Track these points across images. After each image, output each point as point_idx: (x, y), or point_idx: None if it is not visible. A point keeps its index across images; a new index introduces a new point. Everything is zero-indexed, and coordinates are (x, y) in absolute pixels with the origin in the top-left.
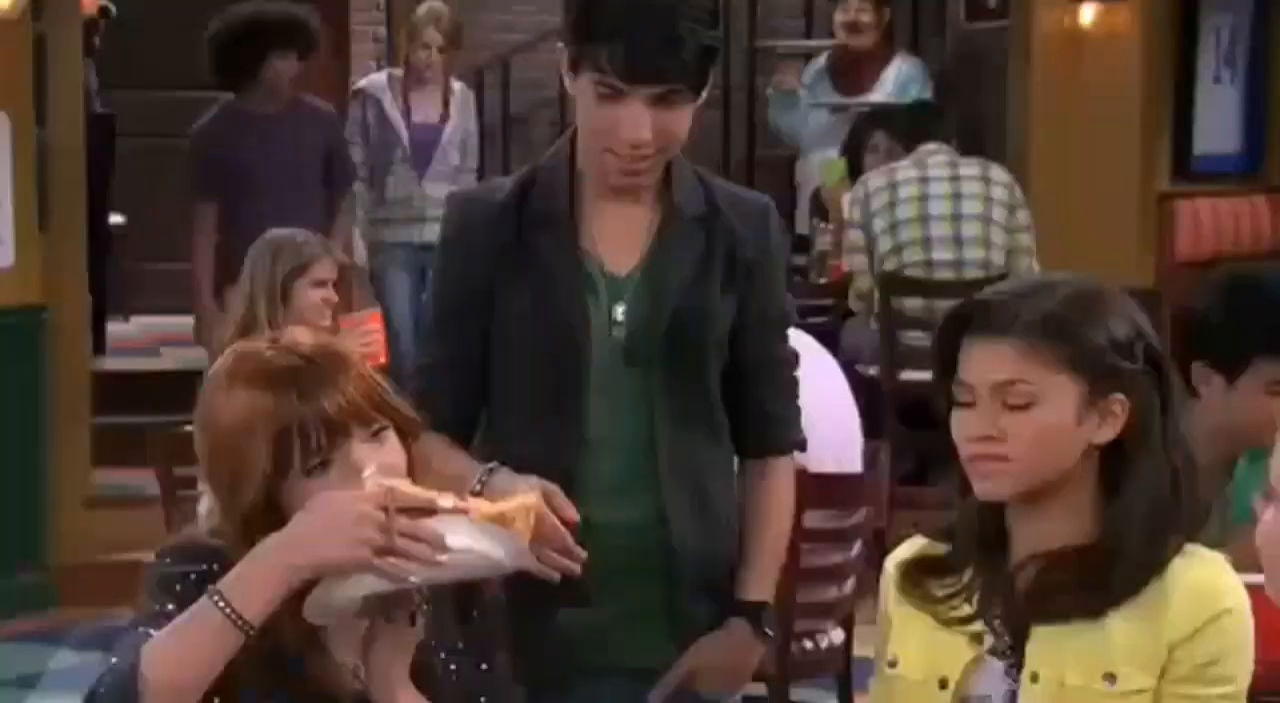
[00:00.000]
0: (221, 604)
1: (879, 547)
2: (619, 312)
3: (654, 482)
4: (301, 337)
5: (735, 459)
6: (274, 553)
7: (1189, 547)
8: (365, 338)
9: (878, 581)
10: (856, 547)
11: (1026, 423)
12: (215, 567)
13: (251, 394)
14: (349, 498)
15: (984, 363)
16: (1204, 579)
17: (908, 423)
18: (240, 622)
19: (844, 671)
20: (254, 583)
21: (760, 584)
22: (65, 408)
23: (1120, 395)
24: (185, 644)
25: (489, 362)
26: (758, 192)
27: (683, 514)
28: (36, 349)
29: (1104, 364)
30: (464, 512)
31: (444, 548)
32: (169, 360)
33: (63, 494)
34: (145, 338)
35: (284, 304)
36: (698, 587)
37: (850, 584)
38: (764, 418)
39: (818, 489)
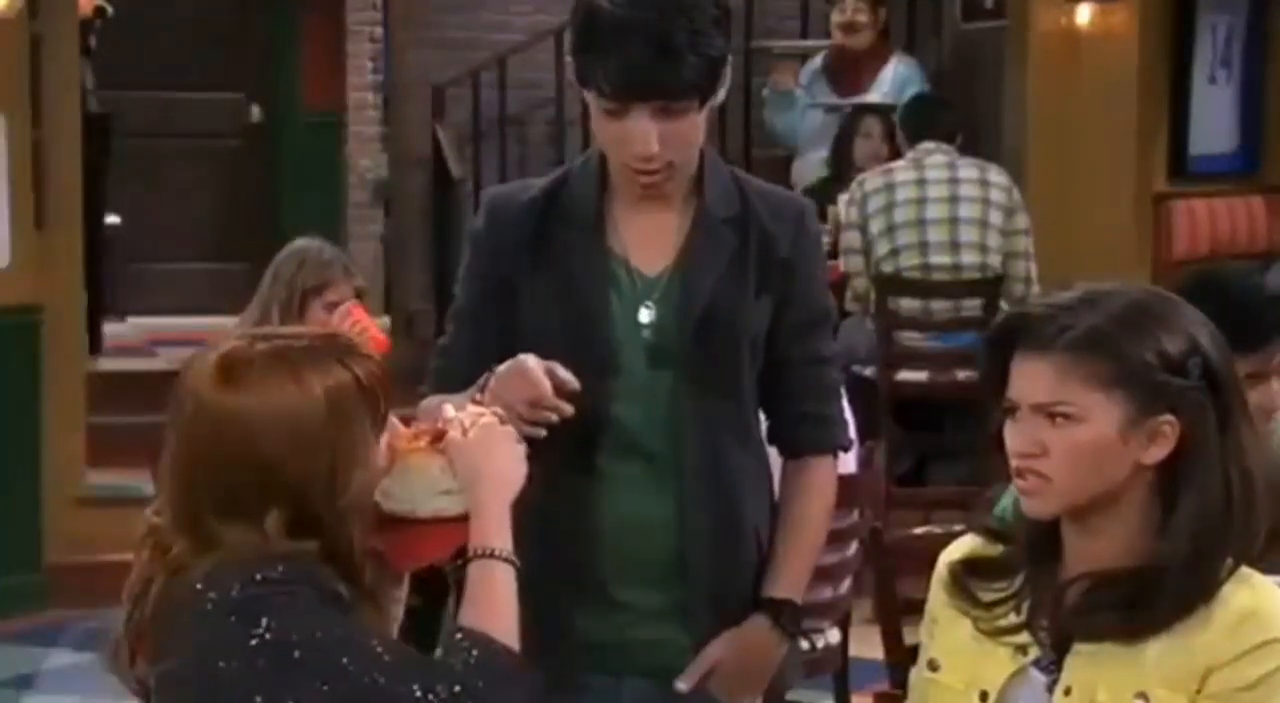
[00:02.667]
0: (499, 554)
1: (875, 547)
2: (646, 312)
3: (677, 483)
4: (270, 331)
5: (773, 462)
6: (492, 496)
7: (1243, 570)
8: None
9: (874, 581)
10: (853, 547)
11: (1065, 441)
12: (310, 572)
13: (326, 375)
14: (490, 429)
15: (1026, 381)
16: (1253, 605)
17: (904, 423)
18: (513, 558)
19: (841, 670)
20: (500, 527)
21: (785, 583)
22: (60, 408)
23: (1169, 416)
24: (506, 603)
25: (512, 354)
26: (796, 194)
27: (702, 517)
28: (32, 349)
29: (1151, 382)
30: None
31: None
32: (164, 361)
33: (58, 494)
34: (140, 338)
35: (299, 317)
36: (715, 591)
37: (847, 585)
38: (802, 418)
39: None
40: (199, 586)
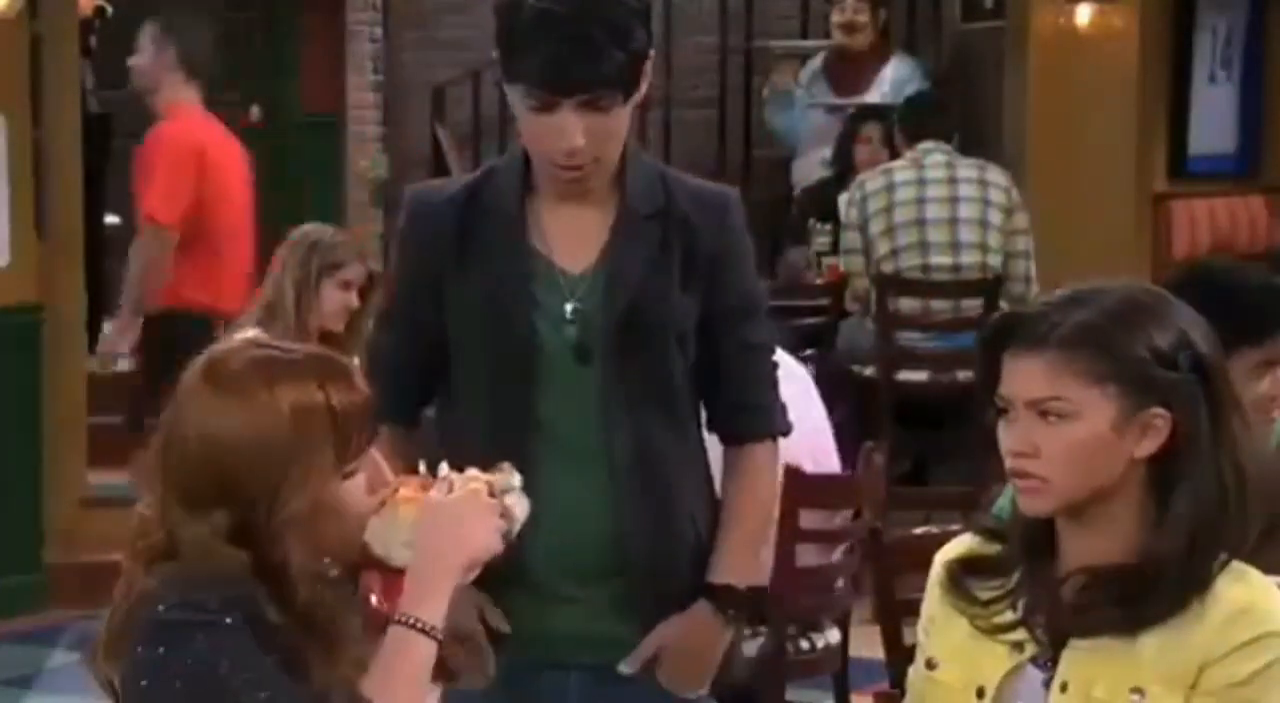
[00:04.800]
0: (420, 625)
1: (875, 547)
2: (570, 310)
3: (609, 479)
4: (271, 342)
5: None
6: (439, 564)
7: (1237, 566)
8: None
9: (873, 581)
10: (852, 547)
11: (1060, 438)
12: (246, 604)
13: (299, 392)
14: (473, 497)
15: (1019, 378)
16: (1247, 600)
17: (904, 423)
18: (436, 633)
19: (840, 670)
20: (434, 597)
21: (729, 569)
22: (60, 408)
23: (1161, 409)
24: (412, 678)
25: (443, 353)
26: (724, 185)
27: (636, 511)
28: (32, 349)
29: (1142, 375)
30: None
31: (516, 520)
32: None
33: (58, 494)
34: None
35: (315, 295)
36: (654, 582)
37: (846, 585)
38: (738, 407)
39: (813, 490)
40: (148, 594)
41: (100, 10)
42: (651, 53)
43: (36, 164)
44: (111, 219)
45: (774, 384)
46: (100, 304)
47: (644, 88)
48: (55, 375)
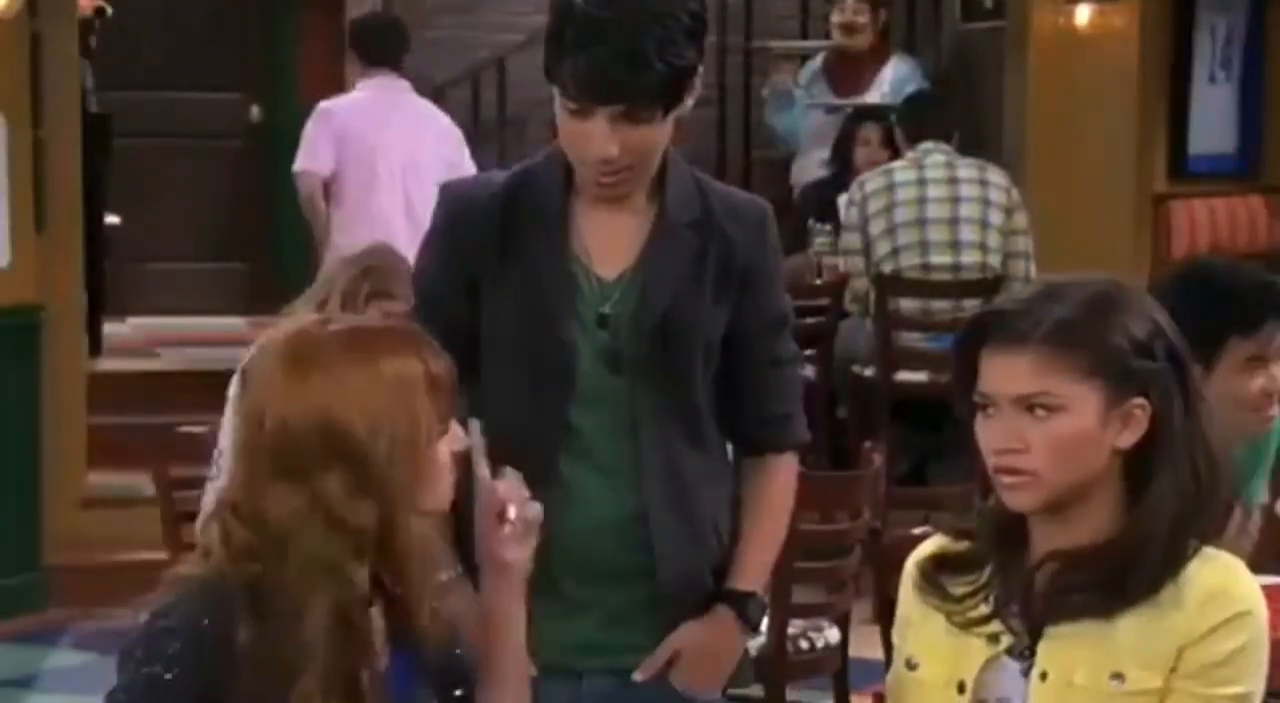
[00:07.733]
0: None
1: (875, 547)
2: (603, 316)
3: (635, 486)
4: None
5: (731, 461)
6: None
7: (1208, 550)
8: None
9: (874, 581)
10: (852, 547)
11: (1048, 432)
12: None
13: (398, 361)
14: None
15: (1003, 375)
16: (1219, 583)
17: (904, 423)
18: None
19: (840, 670)
20: None
21: (749, 576)
22: (60, 408)
23: (1141, 399)
24: None
25: (473, 354)
26: (756, 195)
27: (665, 516)
28: (32, 349)
29: (1124, 366)
30: None
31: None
32: (165, 361)
33: (58, 495)
34: (141, 339)
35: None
36: (681, 588)
37: (846, 585)
38: (760, 419)
39: (813, 490)
40: (155, 603)
41: (100, 10)
42: (700, 68)
43: (36, 164)
44: (111, 219)
45: (799, 395)
46: (99, 304)
47: (690, 102)
48: (55, 375)
